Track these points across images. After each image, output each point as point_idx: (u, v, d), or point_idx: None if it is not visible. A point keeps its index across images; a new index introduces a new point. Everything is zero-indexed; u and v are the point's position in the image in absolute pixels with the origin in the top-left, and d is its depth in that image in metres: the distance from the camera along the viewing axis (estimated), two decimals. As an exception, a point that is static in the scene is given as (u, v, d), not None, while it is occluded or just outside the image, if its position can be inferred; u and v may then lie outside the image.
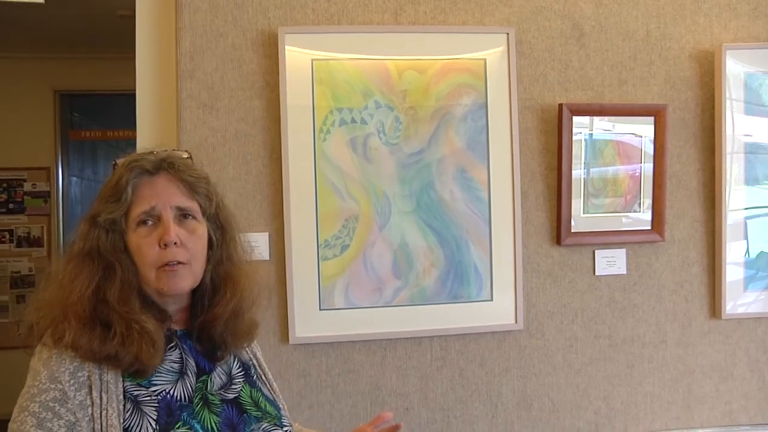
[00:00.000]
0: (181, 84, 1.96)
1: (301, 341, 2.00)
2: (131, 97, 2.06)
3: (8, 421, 1.09)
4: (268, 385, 1.36)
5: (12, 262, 5.05)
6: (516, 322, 2.09)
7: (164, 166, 1.21)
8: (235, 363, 1.32)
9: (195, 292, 1.25)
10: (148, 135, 2.03)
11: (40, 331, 1.16)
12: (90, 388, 1.10)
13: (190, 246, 1.20)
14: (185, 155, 1.29)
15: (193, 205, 1.22)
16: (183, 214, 1.21)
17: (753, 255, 2.22)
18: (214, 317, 1.25)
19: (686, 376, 2.21)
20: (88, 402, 1.09)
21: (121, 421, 1.10)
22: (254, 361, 1.37)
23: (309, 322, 2.00)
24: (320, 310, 2.00)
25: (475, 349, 2.09)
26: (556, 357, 2.13)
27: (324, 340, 2.00)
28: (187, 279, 1.20)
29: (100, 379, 1.11)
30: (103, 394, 1.10)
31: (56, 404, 1.07)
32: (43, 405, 1.07)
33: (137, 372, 1.14)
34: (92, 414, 1.09)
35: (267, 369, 1.38)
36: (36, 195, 5.10)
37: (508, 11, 2.11)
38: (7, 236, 5.07)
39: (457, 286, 2.06)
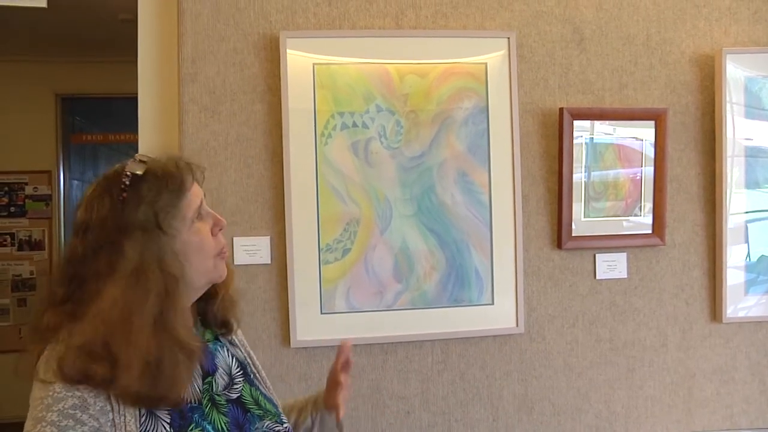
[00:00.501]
0: (182, 88, 1.97)
1: (303, 345, 2.00)
2: (132, 100, 2.07)
3: (10, 424, 1.07)
4: (263, 383, 1.37)
5: (13, 266, 5.04)
6: (517, 325, 2.09)
7: (195, 170, 1.23)
8: (234, 363, 1.32)
9: None
10: (150, 139, 2.04)
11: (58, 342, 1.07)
12: (109, 394, 1.07)
13: None
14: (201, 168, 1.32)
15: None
16: None
17: (754, 258, 2.23)
18: (214, 293, 1.28)
19: (687, 380, 2.21)
20: (108, 407, 1.06)
21: (138, 426, 1.08)
22: (249, 360, 1.38)
23: (310, 325, 2.00)
24: (321, 313, 2.01)
25: (476, 353, 2.09)
26: (557, 360, 2.14)
27: (325, 343, 2.00)
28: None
29: None
30: (119, 403, 1.07)
31: (77, 411, 1.03)
32: (62, 413, 1.02)
33: (172, 405, 1.11)
34: (113, 419, 1.06)
35: (260, 366, 1.39)
36: (37, 198, 5.09)
37: (509, 15, 2.12)
38: (9, 239, 5.07)
39: (458, 289, 2.06)
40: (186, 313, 1.19)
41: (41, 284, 5.06)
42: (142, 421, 1.09)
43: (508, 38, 2.09)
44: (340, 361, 1.39)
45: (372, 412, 2.05)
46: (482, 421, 2.10)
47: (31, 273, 5.07)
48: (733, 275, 2.21)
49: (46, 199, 5.11)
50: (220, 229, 1.22)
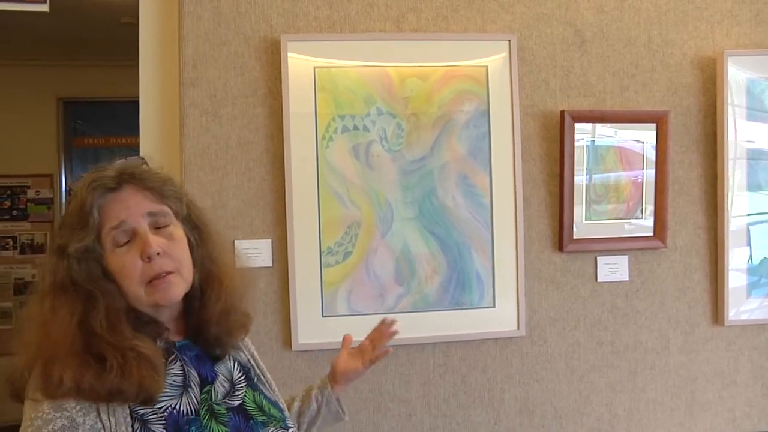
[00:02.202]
0: (184, 91, 1.97)
1: (304, 348, 2.00)
2: (134, 104, 2.07)
3: (13, 428, 1.07)
4: (268, 385, 1.33)
5: (15, 269, 5.05)
6: (518, 328, 2.09)
7: (125, 178, 1.15)
8: (236, 368, 1.29)
9: (186, 297, 1.20)
10: (151, 142, 2.04)
11: (25, 379, 1.07)
12: (98, 411, 1.05)
13: (174, 253, 1.15)
14: (140, 162, 1.23)
15: (164, 209, 1.17)
16: (157, 222, 1.16)
17: (756, 261, 2.23)
18: (205, 320, 1.21)
19: (689, 383, 2.21)
20: (99, 425, 1.04)
21: None
22: (252, 362, 1.34)
23: (312, 328, 2.00)
24: (323, 316, 2.01)
25: (477, 356, 2.09)
26: (559, 363, 2.13)
27: (327, 346, 1.99)
28: (180, 286, 1.16)
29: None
30: (111, 417, 1.05)
31: None
32: None
33: (144, 401, 1.08)
34: None
35: (265, 368, 1.36)
36: (39, 202, 5.11)
37: (510, 18, 2.12)
38: (11, 243, 5.08)
39: (459, 292, 2.06)
40: (121, 320, 1.10)
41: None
42: None
43: (509, 41, 2.09)
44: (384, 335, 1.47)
45: (373, 415, 2.05)
46: (483, 425, 2.09)
47: (33, 276, 5.07)
48: (735, 278, 2.21)
49: (48, 203, 5.12)
50: (149, 257, 1.11)
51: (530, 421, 2.12)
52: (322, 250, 2.01)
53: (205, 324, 1.22)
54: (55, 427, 1.02)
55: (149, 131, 2.05)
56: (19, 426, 1.08)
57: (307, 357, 2.01)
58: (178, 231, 1.18)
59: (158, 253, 1.12)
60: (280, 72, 1.98)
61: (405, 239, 2.04)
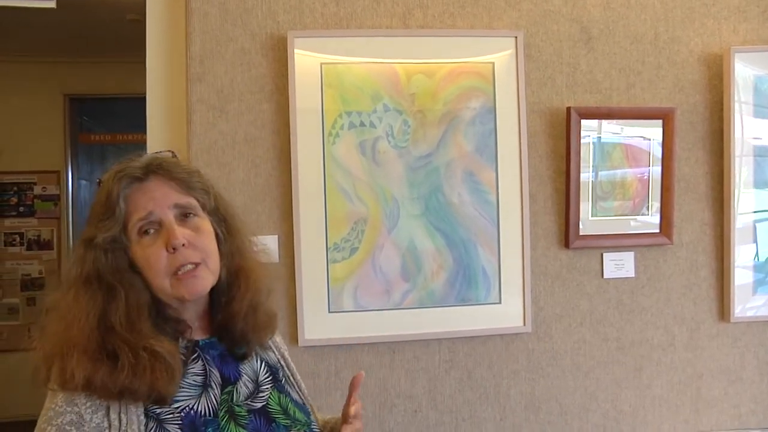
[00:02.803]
0: (191, 87, 1.97)
1: (311, 343, 2.00)
2: (140, 100, 2.07)
3: (24, 423, 1.07)
4: (296, 387, 1.30)
5: (22, 265, 5.06)
6: (524, 324, 2.09)
7: (152, 169, 1.15)
8: (263, 368, 1.25)
9: (212, 292, 1.19)
10: (158, 138, 2.04)
11: (47, 371, 1.08)
12: (108, 409, 1.04)
13: (200, 244, 1.14)
14: (169, 154, 1.23)
15: (191, 201, 1.16)
16: (184, 213, 1.15)
17: (762, 258, 2.22)
18: (232, 314, 1.19)
19: (695, 380, 2.20)
20: (105, 424, 1.04)
21: None
22: (282, 362, 1.31)
23: (318, 324, 2.00)
24: (329, 312, 2.01)
25: (483, 352, 2.09)
26: (564, 360, 2.13)
27: (333, 342, 2.00)
28: (207, 279, 1.14)
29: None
30: (122, 415, 1.04)
31: (72, 428, 1.03)
32: (59, 428, 1.02)
33: (156, 401, 1.06)
34: None
35: (295, 369, 1.33)
36: (46, 198, 5.11)
37: (517, 15, 2.11)
38: (18, 239, 5.09)
39: (465, 288, 2.06)
40: (141, 316, 1.10)
41: (50, 284, 5.08)
42: None
43: (516, 37, 2.08)
44: (352, 395, 1.29)
45: (379, 411, 2.05)
46: (489, 420, 2.09)
47: (40, 272, 5.09)
48: (742, 275, 2.20)
49: (55, 199, 5.12)
50: (174, 248, 1.10)
51: (536, 417, 2.11)
52: (328, 246, 2.01)
53: (232, 319, 1.20)
54: (64, 421, 1.03)
55: (156, 127, 2.05)
56: (18, 422, 1.08)
57: (314, 353, 2.01)
58: (204, 223, 1.17)
59: (184, 245, 1.11)
60: (286, 68, 1.98)
61: (411, 235, 2.04)
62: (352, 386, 1.28)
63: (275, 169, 2.01)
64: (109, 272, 1.10)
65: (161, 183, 1.15)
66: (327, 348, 2.01)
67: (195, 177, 1.20)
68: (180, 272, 1.12)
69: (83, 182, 5.33)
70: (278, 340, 1.36)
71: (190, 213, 1.16)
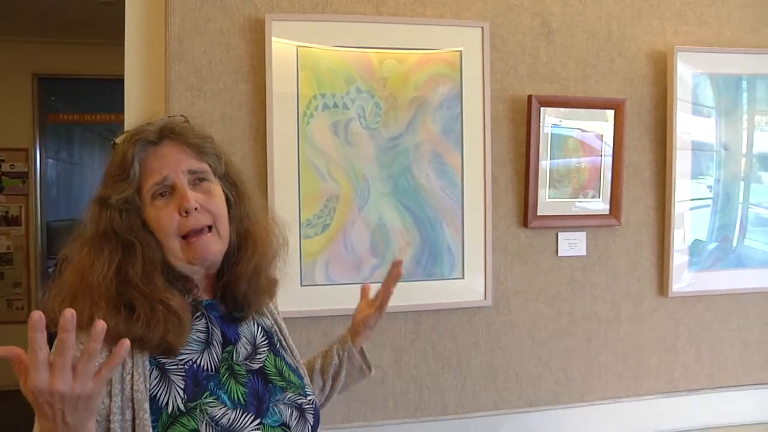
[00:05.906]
0: (169, 66, 1.87)
1: (283, 315, 1.91)
2: (109, 82, 1.97)
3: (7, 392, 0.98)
4: (290, 352, 1.28)
5: (-10, 241, 4.85)
6: (485, 299, 2.07)
7: (167, 133, 1.12)
8: (259, 332, 1.23)
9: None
10: (135, 116, 1.93)
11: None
12: (111, 351, 0.99)
13: (211, 208, 1.11)
14: (182, 119, 1.19)
15: (203, 167, 1.13)
16: (196, 178, 1.12)
17: (689, 242, 2.24)
18: (237, 276, 1.16)
19: (636, 349, 2.23)
20: None
21: (148, 386, 1.02)
22: (276, 328, 1.29)
23: (290, 297, 1.92)
24: (301, 286, 1.95)
25: (446, 325, 2.06)
26: (522, 332, 2.12)
27: (305, 314, 1.95)
28: (217, 243, 1.12)
29: None
30: (128, 359, 1.01)
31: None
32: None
33: (165, 352, 1.05)
34: (121, 375, 1.00)
35: (288, 335, 1.31)
36: (14, 175, 4.89)
37: (483, 6, 2.07)
38: (-15, 215, 4.86)
39: (431, 264, 2.03)
40: (156, 272, 1.07)
41: (18, 259, 4.88)
42: (154, 384, 1.03)
43: (482, 28, 2.04)
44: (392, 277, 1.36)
45: (348, 380, 2.00)
46: (451, 389, 2.07)
47: (8, 248, 4.89)
48: (678, 256, 2.23)
49: (23, 176, 4.91)
50: (186, 211, 1.07)
51: (494, 385, 2.10)
52: (301, 222, 1.94)
53: (237, 281, 1.17)
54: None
55: (134, 105, 1.93)
56: (10, 391, 1.01)
57: (286, 324, 1.93)
58: (216, 187, 1.14)
59: (196, 208, 1.08)
60: (263, 50, 1.90)
61: (381, 213, 1.99)
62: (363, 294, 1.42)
63: (251, 148, 1.93)
64: (124, 230, 1.07)
65: (175, 148, 1.12)
66: (299, 320, 1.95)
67: (208, 143, 1.17)
68: (191, 237, 1.09)
69: (51, 160, 5.11)
70: (273, 306, 1.33)
71: (202, 178, 1.13)
